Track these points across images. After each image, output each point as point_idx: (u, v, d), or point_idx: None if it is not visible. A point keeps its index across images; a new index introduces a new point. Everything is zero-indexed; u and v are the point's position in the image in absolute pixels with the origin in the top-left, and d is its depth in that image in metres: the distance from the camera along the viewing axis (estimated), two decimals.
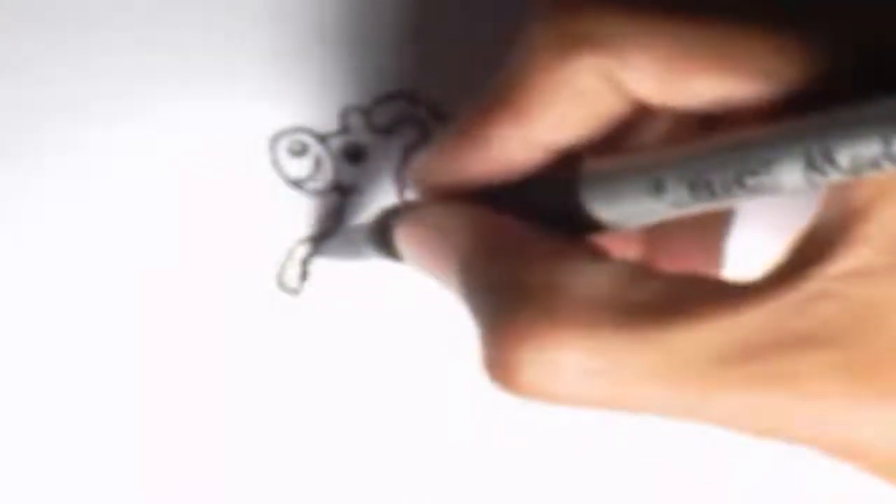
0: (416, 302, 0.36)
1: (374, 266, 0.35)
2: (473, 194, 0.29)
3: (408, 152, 0.35)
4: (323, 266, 0.35)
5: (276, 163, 0.35)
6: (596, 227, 0.27)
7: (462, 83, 0.35)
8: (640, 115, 0.27)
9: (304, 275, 0.35)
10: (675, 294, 0.25)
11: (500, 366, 0.26)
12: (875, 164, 0.23)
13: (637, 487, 0.36)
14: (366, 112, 0.35)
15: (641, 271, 0.26)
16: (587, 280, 0.26)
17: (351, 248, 0.34)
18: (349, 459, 0.36)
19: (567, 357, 0.25)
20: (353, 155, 0.35)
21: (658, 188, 0.26)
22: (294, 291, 0.35)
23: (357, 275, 0.36)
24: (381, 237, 0.32)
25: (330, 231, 0.35)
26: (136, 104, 0.35)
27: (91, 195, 0.35)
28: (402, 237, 0.30)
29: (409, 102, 0.35)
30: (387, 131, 0.35)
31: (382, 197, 0.35)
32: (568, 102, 0.27)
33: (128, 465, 0.35)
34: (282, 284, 0.35)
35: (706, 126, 0.26)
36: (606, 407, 0.26)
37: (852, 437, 0.25)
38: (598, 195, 0.27)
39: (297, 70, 0.35)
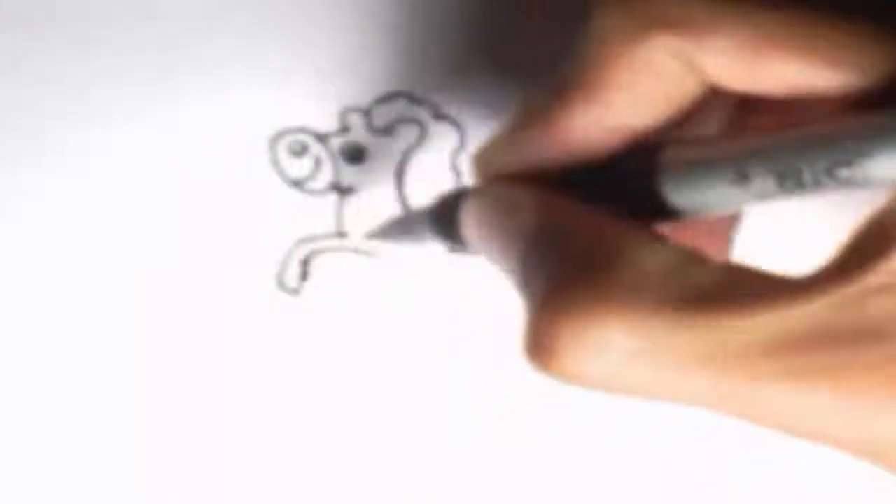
0: (415, 302, 0.36)
1: (373, 266, 0.35)
2: (538, 179, 0.28)
3: (408, 152, 0.35)
4: (323, 266, 0.35)
5: (276, 163, 0.35)
6: (669, 214, 0.27)
7: (462, 84, 0.35)
8: (705, 100, 0.27)
9: (304, 275, 0.35)
10: (730, 281, 0.25)
11: (541, 345, 0.25)
12: None
13: (638, 487, 0.36)
14: (366, 112, 0.35)
15: (697, 257, 0.25)
16: (641, 261, 0.25)
17: (409, 232, 0.34)
18: (349, 459, 0.36)
19: (612, 336, 0.25)
20: (353, 155, 0.35)
21: (743, 178, 0.25)
22: (294, 291, 0.35)
23: (357, 275, 0.36)
24: (445, 219, 0.31)
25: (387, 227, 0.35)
26: (136, 104, 0.35)
27: (91, 195, 0.35)
28: (470, 216, 0.30)
29: (409, 102, 0.35)
30: (387, 131, 0.35)
31: (382, 197, 0.35)
32: (645, 83, 0.27)
33: (128, 464, 0.35)
34: (282, 284, 0.35)
35: (774, 112, 0.26)
36: (645, 393, 0.25)
37: (893, 436, 0.24)
38: (678, 183, 0.27)
39: (297, 70, 0.35)
